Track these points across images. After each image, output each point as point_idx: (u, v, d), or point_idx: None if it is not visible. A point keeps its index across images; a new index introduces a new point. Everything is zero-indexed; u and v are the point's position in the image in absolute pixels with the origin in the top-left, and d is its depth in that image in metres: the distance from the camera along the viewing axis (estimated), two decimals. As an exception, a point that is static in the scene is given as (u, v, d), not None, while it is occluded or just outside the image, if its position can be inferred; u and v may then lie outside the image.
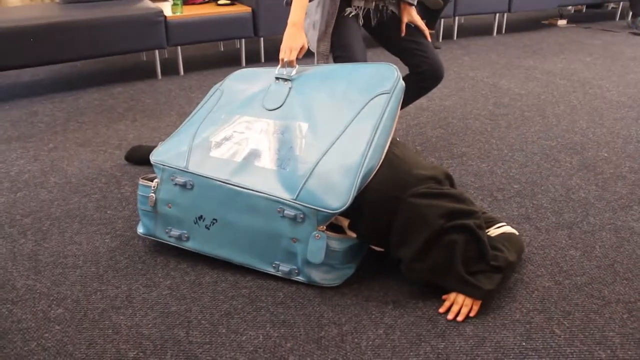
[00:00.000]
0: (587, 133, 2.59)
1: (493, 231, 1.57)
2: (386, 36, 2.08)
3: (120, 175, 2.20)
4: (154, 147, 2.24)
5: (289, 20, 1.68)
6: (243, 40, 3.73)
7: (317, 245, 1.42)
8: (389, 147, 1.50)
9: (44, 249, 1.72)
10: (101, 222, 1.87)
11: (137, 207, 1.94)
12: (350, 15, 1.97)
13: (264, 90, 1.63)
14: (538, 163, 2.27)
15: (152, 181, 1.60)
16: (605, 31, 4.88)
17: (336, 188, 1.40)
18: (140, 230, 1.67)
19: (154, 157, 1.60)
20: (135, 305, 1.46)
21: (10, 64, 3.02)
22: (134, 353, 1.30)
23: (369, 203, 1.43)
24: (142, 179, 1.62)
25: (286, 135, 1.51)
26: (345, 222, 1.50)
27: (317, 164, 1.44)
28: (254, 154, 1.51)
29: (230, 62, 3.89)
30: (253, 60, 3.87)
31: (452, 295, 1.42)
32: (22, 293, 1.52)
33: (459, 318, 1.38)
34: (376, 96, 1.51)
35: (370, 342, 1.32)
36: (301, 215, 1.42)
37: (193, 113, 1.71)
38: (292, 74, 1.63)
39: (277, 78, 1.64)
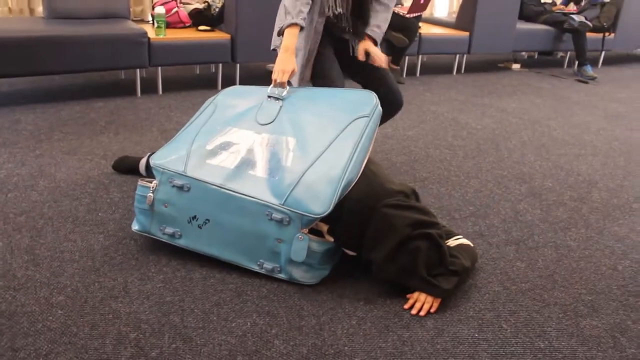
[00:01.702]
0: (534, 165, 2.88)
1: (451, 242, 1.80)
2: (354, 65, 2.30)
3: (107, 183, 2.34)
4: (140, 158, 2.40)
5: (282, 46, 1.89)
6: (220, 65, 3.93)
7: (300, 245, 1.61)
8: (366, 163, 1.72)
9: (40, 245, 1.85)
10: (93, 223, 2.00)
11: (127, 211, 2.09)
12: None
13: (257, 107, 1.83)
14: (491, 189, 2.54)
15: (150, 183, 1.77)
16: (554, 77, 5.32)
17: (320, 196, 1.60)
18: (135, 227, 1.82)
19: (153, 161, 1.77)
20: (132, 295, 1.61)
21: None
22: (135, 334, 1.45)
23: (347, 211, 1.64)
24: (141, 180, 1.79)
25: (276, 148, 1.71)
26: (324, 227, 1.70)
27: (303, 175, 1.64)
28: (246, 163, 1.70)
29: (206, 85, 4.08)
30: (229, 84, 4.07)
31: (416, 294, 1.63)
32: (23, 282, 1.65)
33: (421, 313, 1.59)
34: (357, 118, 1.73)
35: (345, 331, 1.51)
36: (287, 219, 1.61)
37: (188, 124, 1.89)
38: (283, 94, 1.84)
39: (269, 96, 1.84)
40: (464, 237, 1.85)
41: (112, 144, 2.77)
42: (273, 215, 1.62)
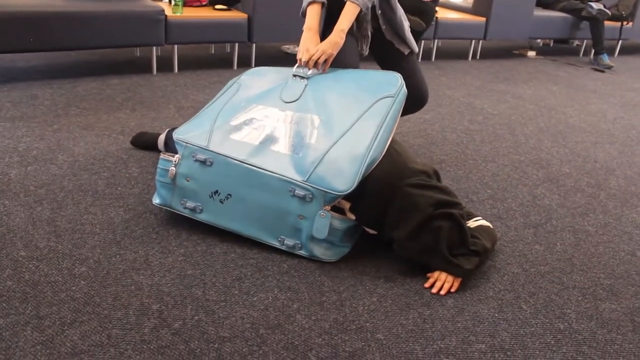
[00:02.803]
0: (551, 151, 2.87)
1: (471, 223, 1.80)
2: (383, 54, 2.25)
3: (126, 158, 2.34)
4: (159, 134, 2.40)
5: (305, 26, 1.88)
6: (237, 45, 3.91)
7: (322, 222, 1.61)
8: (390, 143, 1.71)
9: (61, 217, 1.86)
10: (113, 197, 2.01)
11: (146, 186, 2.10)
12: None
13: (281, 85, 1.83)
14: (508, 173, 2.53)
15: (172, 157, 1.77)
16: (570, 65, 5.27)
17: (343, 174, 1.60)
18: (156, 200, 1.83)
19: (177, 135, 1.77)
20: (154, 268, 1.62)
21: (8, 48, 3.12)
22: (157, 306, 1.46)
23: (370, 189, 1.63)
24: (163, 154, 1.79)
25: (300, 125, 1.71)
26: (346, 205, 1.70)
27: (327, 152, 1.63)
28: (270, 139, 1.70)
29: (222, 64, 4.07)
30: (244, 64, 4.06)
31: (436, 273, 1.64)
32: (45, 252, 1.66)
33: (442, 292, 1.60)
34: (382, 98, 1.72)
35: (366, 307, 1.52)
36: (310, 196, 1.61)
37: (212, 101, 1.89)
38: (308, 73, 1.84)
39: (294, 75, 1.84)
40: (483, 219, 1.84)
41: (130, 120, 2.78)
42: (296, 191, 1.62)
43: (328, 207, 1.62)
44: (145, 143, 2.43)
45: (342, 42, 1.85)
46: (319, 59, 1.83)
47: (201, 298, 1.51)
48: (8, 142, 2.40)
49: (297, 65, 1.87)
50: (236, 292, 1.54)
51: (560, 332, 1.49)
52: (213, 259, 1.68)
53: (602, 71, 5.11)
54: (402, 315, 1.50)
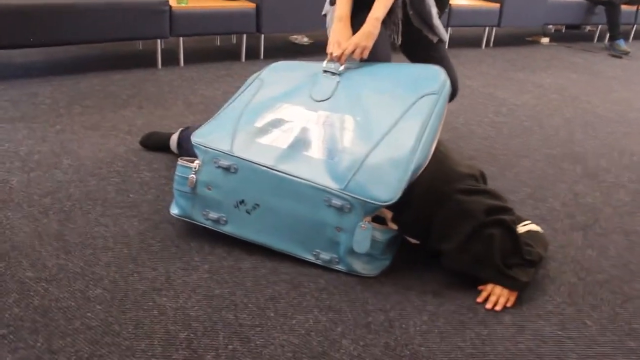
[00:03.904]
0: (583, 144, 2.71)
1: (520, 228, 1.64)
2: (410, 43, 2.09)
3: (136, 160, 2.18)
4: (170, 134, 2.23)
5: (335, 16, 1.71)
6: (244, 36, 3.73)
7: (363, 235, 1.45)
8: (435, 145, 1.55)
9: (70, 230, 1.70)
10: (125, 206, 1.85)
11: (160, 192, 1.94)
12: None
13: (310, 82, 1.66)
14: (543, 169, 2.37)
15: (191, 162, 1.60)
16: (586, 51, 5.10)
17: (385, 181, 1.43)
18: (174, 211, 1.66)
19: (195, 138, 1.60)
20: (177, 288, 1.46)
21: (4, 44, 2.93)
22: (185, 334, 1.30)
23: (416, 196, 1.47)
24: (180, 159, 1.62)
25: (335, 127, 1.54)
26: (388, 215, 1.54)
27: (367, 157, 1.47)
28: (301, 143, 1.53)
29: (229, 56, 3.89)
30: (252, 56, 3.88)
31: (489, 287, 1.48)
32: (54, 272, 1.50)
33: (497, 308, 1.44)
34: (424, 96, 1.55)
35: (418, 328, 1.36)
36: (348, 206, 1.45)
37: (232, 99, 1.72)
38: (340, 69, 1.67)
39: (324, 71, 1.66)
40: (532, 222, 1.69)
41: (137, 119, 2.61)
42: (332, 201, 1.46)
43: (369, 218, 1.46)
44: (155, 143, 2.26)
45: (377, 32, 1.68)
46: (352, 53, 1.66)
47: (234, 323, 1.35)
48: (8, 146, 2.23)
49: (327, 59, 1.70)
50: (272, 314, 1.38)
51: (633, 351, 1.34)
52: (242, 276, 1.52)
53: (619, 57, 4.94)
54: (459, 336, 1.34)
